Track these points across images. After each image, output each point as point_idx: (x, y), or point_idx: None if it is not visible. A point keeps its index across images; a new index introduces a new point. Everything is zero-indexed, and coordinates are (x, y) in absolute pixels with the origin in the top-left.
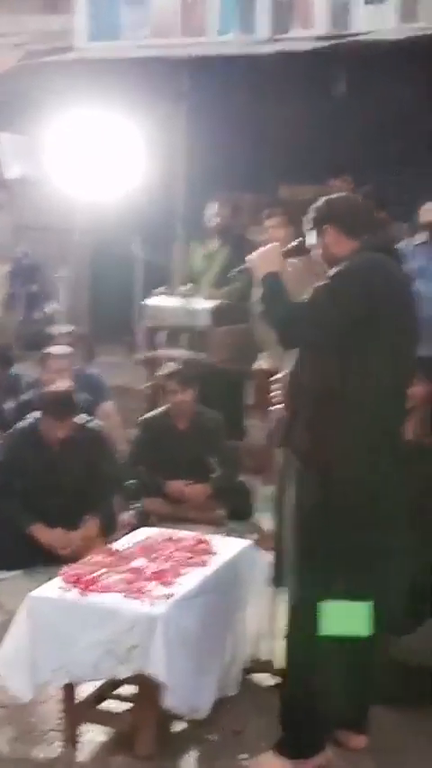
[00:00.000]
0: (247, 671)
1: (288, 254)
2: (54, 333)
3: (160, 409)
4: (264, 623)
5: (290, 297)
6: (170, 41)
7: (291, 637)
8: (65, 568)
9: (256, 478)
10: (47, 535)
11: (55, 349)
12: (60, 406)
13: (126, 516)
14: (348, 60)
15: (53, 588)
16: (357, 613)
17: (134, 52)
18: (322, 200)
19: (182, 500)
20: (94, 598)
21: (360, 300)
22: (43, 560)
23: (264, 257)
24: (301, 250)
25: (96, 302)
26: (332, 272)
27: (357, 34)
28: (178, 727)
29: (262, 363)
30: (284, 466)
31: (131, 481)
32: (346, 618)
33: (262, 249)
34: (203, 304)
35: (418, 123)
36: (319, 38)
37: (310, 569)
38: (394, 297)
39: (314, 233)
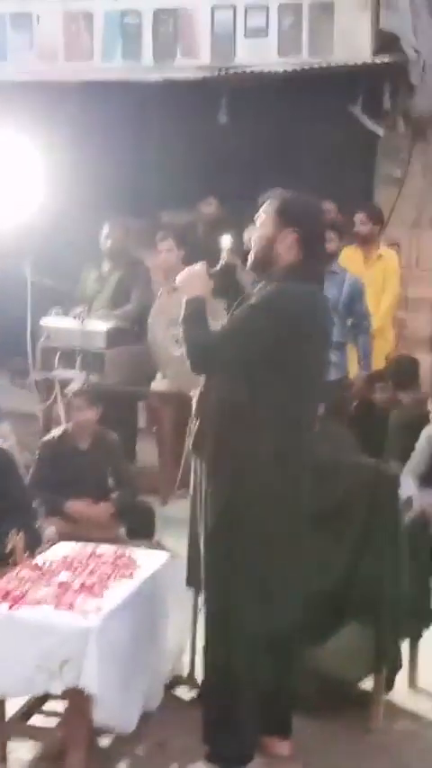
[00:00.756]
0: (168, 685)
1: (215, 274)
2: None
3: (60, 429)
4: (184, 637)
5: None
6: (55, 66)
7: (208, 643)
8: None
9: (151, 499)
10: None
11: None
12: None
13: (48, 532)
14: (230, 91)
15: None
16: None
17: (19, 76)
18: (301, 198)
19: (83, 519)
20: (25, 612)
21: (279, 337)
22: None
23: (190, 279)
24: (228, 268)
25: None
26: (259, 298)
27: (240, 66)
28: (105, 741)
29: (158, 385)
30: (197, 471)
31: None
32: None
33: (190, 270)
34: (98, 326)
35: (296, 152)
36: (203, 68)
37: (221, 577)
38: (314, 334)
39: (274, 224)
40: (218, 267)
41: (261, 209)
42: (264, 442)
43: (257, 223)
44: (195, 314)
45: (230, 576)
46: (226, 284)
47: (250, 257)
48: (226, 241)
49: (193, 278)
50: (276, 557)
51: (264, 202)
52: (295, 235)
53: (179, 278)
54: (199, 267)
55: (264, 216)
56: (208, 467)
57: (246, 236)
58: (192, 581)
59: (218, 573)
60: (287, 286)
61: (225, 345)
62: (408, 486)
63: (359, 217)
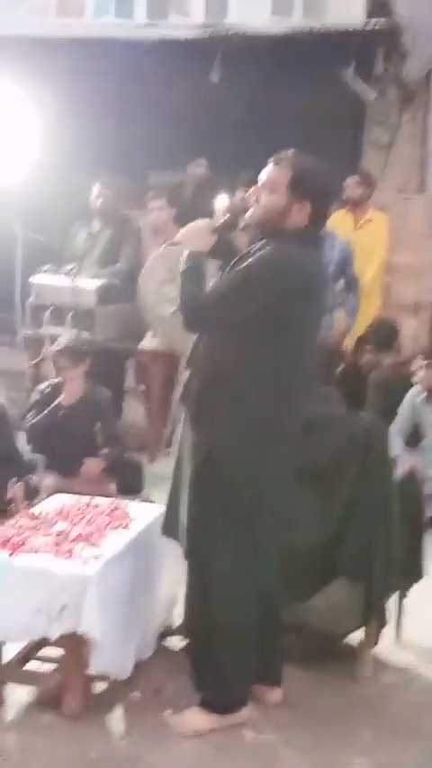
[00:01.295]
0: (161, 635)
1: (217, 230)
2: None
3: (50, 382)
4: (176, 588)
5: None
6: (45, 21)
7: (190, 594)
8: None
9: (138, 456)
10: None
11: None
12: None
13: (46, 483)
14: (223, 50)
15: None
16: None
17: (9, 30)
18: (318, 169)
19: (75, 474)
20: (24, 559)
21: (279, 297)
22: None
23: (193, 234)
24: (229, 226)
25: None
26: (260, 257)
27: (233, 26)
28: (101, 687)
29: (148, 343)
30: (184, 423)
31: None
32: None
33: (193, 225)
34: (89, 283)
35: (286, 114)
36: (195, 26)
37: (202, 529)
38: (313, 297)
39: (289, 193)
40: (220, 223)
41: (270, 171)
42: (250, 399)
43: (265, 184)
44: (195, 269)
45: (212, 528)
46: (223, 243)
47: (256, 217)
48: (222, 201)
49: (197, 232)
50: (259, 511)
51: (272, 163)
52: (308, 207)
53: (182, 232)
54: (203, 223)
55: (276, 181)
56: (193, 418)
57: (239, 195)
58: (167, 530)
59: (200, 524)
60: (289, 249)
61: (222, 304)
62: (395, 446)
63: (353, 180)
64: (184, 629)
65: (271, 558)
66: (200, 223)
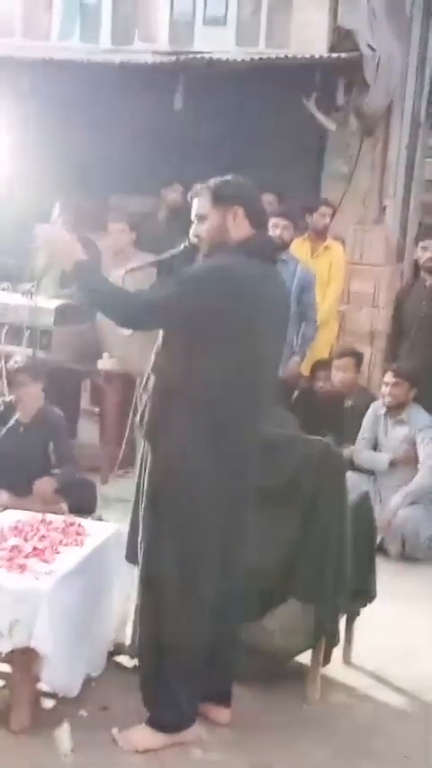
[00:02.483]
0: (111, 653)
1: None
2: None
3: (4, 400)
4: (127, 607)
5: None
6: (12, 42)
7: (142, 613)
8: None
9: (91, 477)
10: None
11: None
12: None
13: (1, 498)
14: (186, 77)
15: None
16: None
17: None
18: (232, 177)
19: (28, 492)
20: None
21: (213, 306)
22: None
23: (63, 248)
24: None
25: None
26: (206, 262)
27: (197, 52)
28: (49, 703)
29: (104, 364)
30: (144, 447)
31: None
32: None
33: (55, 240)
34: (47, 303)
35: (248, 142)
36: (159, 53)
37: (155, 550)
38: (262, 310)
39: (216, 210)
40: (181, 247)
41: (195, 205)
42: (203, 416)
43: (196, 217)
44: (92, 274)
45: (164, 549)
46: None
47: (205, 247)
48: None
49: (64, 245)
50: (213, 532)
51: (192, 197)
52: (240, 209)
53: (47, 253)
54: (53, 230)
55: (202, 209)
56: (148, 438)
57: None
58: (130, 556)
59: (153, 545)
60: (226, 257)
61: (160, 298)
62: (364, 456)
63: (321, 210)
64: (134, 648)
65: (225, 579)
66: (60, 236)
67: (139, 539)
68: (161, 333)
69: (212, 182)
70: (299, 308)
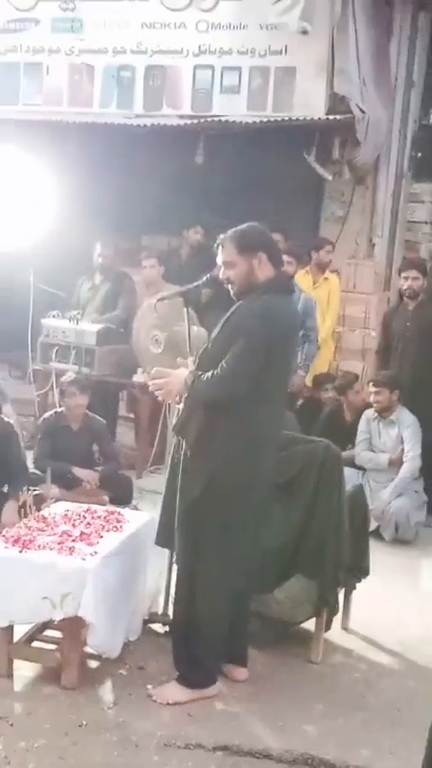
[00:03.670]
0: (146, 621)
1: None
2: None
3: (56, 410)
4: (160, 581)
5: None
6: (60, 109)
7: (178, 591)
8: (4, 531)
9: (128, 472)
10: None
11: None
12: None
13: (53, 492)
14: (206, 136)
15: None
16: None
17: (30, 115)
18: (250, 226)
19: (75, 486)
20: (33, 554)
21: (266, 342)
22: None
23: (172, 389)
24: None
25: None
26: (241, 315)
27: (215, 116)
28: (94, 664)
29: (139, 377)
30: (176, 448)
31: (34, 471)
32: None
33: (164, 386)
34: (90, 327)
35: (258, 191)
36: (183, 116)
37: (193, 539)
38: (288, 337)
39: (242, 257)
40: (203, 279)
41: (221, 254)
42: (246, 429)
43: (223, 264)
44: (194, 391)
45: (201, 539)
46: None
47: (237, 292)
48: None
49: (171, 386)
50: (242, 524)
51: (217, 247)
52: (263, 254)
53: (160, 393)
54: (164, 381)
55: (229, 257)
56: (191, 448)
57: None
58: (160, 541)
59: (191, 536)
60: (261, 298)
61: (239, 377)
62: (363, 455)
63: (327, 248)
64: (165, 617)
65: (246, 560)
66: (166, 382)
67: (175, 528)
68: (200, 354)
69: (235, 232)
70: (303, 331)
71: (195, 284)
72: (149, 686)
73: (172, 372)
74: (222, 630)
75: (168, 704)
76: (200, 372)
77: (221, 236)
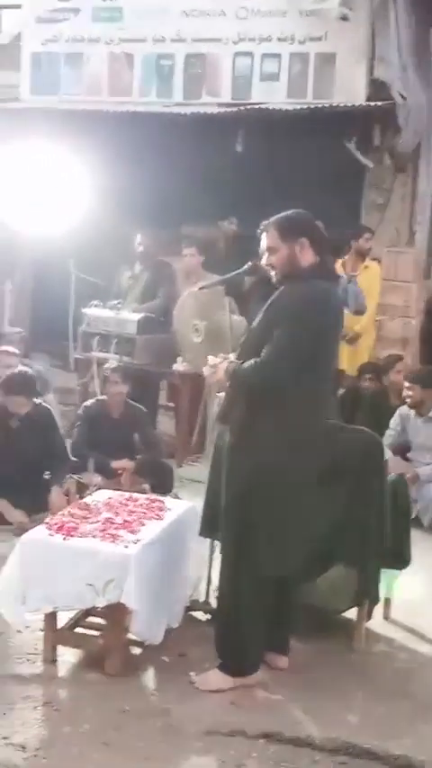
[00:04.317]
0: (188, 608)
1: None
2: (5, 332)
3: (97, 398)
4: (201, 569)
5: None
6: (100, 98)
7: (222, 580)
8: (49, 518)
9: (170, 462)
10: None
11: (4, 348)
12: (23, 383)
13: (96, 480)
14: (246, 124)
15: (41, 533)
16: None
17: (71, 105)
18: (294, 212)
19: (116, 475)
20: (76, 541)
21: (309, 327)
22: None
23: (216, 378)
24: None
25: (37, 311)
26: (285, 299)
27: (255, 104)
28: (136, 651)
29: (179, 366)
30: (219, 437)
31: (75, 459)
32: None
33: (210, 374)
34: (131, 316)
35: (298, 179)
36: (223, 104)
37: (238, 529)
38: (332, 324)
39: (285, 243)
40: (245, 267)
41: (263, 239)
42: (292, 420)
43: (267, 249)
44: (238, 377)
45: (246, 529)
46: (259, 283)
47: (279, 276)
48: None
49: (216, 375)
50: (287, 514)
51: (261, 232)
52: (305, 240)
53: (209, 382)
54: (209, 371)
55: (272, 242)
56: (234, 439)
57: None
58: (204, 531)
59: (236, 527)
60: (311, 282)
61: (286, 362)
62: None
63: (366, 236)
64: (206, 604)
65: (291, 550)
66: (212, 372)
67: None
68: (243, 343)
69: (278, 218)
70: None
71: (236, 273)
72: (192, 674)
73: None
74: (265, 619)
75: (211, 691)
76: (241, 361)
77: (265, 222)
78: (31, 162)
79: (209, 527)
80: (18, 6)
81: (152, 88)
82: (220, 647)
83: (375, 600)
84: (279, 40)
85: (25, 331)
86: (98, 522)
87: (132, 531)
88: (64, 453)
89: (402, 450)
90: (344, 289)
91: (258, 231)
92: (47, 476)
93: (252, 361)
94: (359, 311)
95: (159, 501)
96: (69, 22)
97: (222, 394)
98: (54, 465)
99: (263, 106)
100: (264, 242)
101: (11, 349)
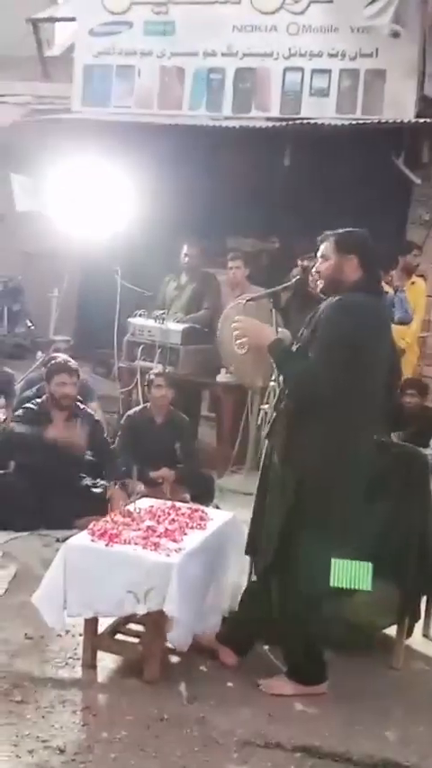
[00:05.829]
0: (225, 618)
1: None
2: (54, 339)
3: (141, 406)
4: (241, 578)
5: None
6: (150, 111)
7: (282, 594)
8: (92, 524)
9: (210, 472)
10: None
11: (58, 355)
12: (69, 365)
13: (138, 488)
14: (294, 139)
15: (84, 539)
16: (363, 571)
17: (121, 117)
18: (354, 230)
19: (157, 483)
20: (119, 548)
21: (352, 336)
22: (45, 524)
23: (257, 334)
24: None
25: (82, 319)
26: (332, 309)
27: (303, 118)
28: (175, 659)
29: (222, 377)
30: (267, 456)
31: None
32: (355, 574)
33: (250, 328)
34: (175, 326)
35: (345, 194)
36: (272, 119)
37: (287, 545)
38: (379, 337)
39: (337, 254)
40: (292, 281)
41: (322, 247)
42: (338, 435)
43: (321, 257)
44: (282, 355)
45: (296, 545)
46: (300, 295)
47: (322, 285)
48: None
49: (257, 331)
50: (335, 530)
51: (321, 241)
52: (356, 259)
53: (244, 340)
54: (250, 323)
55: (326, 251)
56: (281, 453)
57: (303, 264)
58: (249, 550)
59: (287, 541)
60: (352, 296)
61: (329, 372)
62: None
63: (416, 251)
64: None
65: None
66: (253, 325)
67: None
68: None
69: (339, 232)
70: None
71: (283, 286)
72: (229, 684)
73: (259, 324)
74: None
75: (272, 695)
76: (289, 344)
77: (327, 232)
78: (81, 172)
79: (254, 547)
80: (71, 19)
81: (202, 102)
82: (292, 656)
83: (415, 617)
84: (330, 55)
85: (71, 339)
86: (140, 529)
87: (174, 540)
88: (112, 454)
89: None
90: (390, 299)
91: (318, 239)
92: (88, 482)
93: (296, 361)
94: (403, 321)
95: (201, 510)
96: (122, 36)
97: (266, 406)
98: (106, 466)
99: (311, 121)
100: (320, 250)
101: (64, 357)
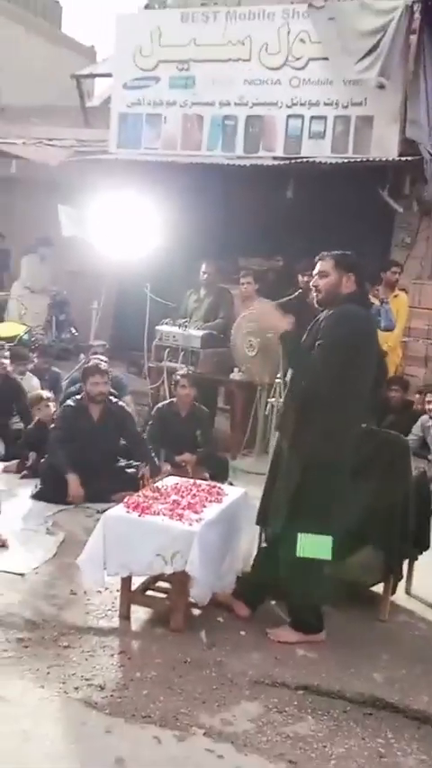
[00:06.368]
0: (238, 578)
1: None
2: (93, 343)
3: (168, 401)
4: (252, 545)
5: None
6: (174, 152)
7: (284, 557)
8: (127, 498)
9: (225, 455)
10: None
11: (97, 357)
12: (100, 367)
13: (165, 468)
14: (296, 175)
15: (120, 511)
16: (325, 544)
17: (150, 157)
18: (349, 253)
19: (181, 465)
20: (149, 519)
21: (348, 339)
22: (87, 499)
23: (268, 316)
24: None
25: (117, 326)
26: (334, 318)
27: (304, 157)
28: (196, 612)
29: (235, 375)
30: (278, 444)
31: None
32: (318, 546)
33: (262, 310)
34: (196, 332)
35: (339, 221)
36: (277, 158)
37: (295, 517)
38: (370, 340)
39: (336, 272)
40: (295, 294)
41: (319, 265)
42: (337, 425)
43: (318, 274)
44: (291, 344)
45: (304, 514)
46: (300, 308)
47: (320, 298)
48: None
49: (275, 320)
50: (330, 503)
51: (319, 260)
52: (353, 276)
53: (258, 315)
54: (267, 305)
55: (325, 269)
56: (289, 441)
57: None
58: (260, 521)
59: (296, 510)
60: (350, 306)
61: (329, 366)
62: None
63: (393, 269)
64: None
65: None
66: (265, 306)
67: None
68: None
69: (337, 252)
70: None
71: (288, 298)
72: (268, 629)
73: (279, 312)
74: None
75: (278, 642)
76: (299, 338)
77: (324, 252)
78: (117, 203)
79: (264, 518)
80: (109, 75)
81: (218, 144)
82: (295, 608)
83: (399, 577)
84: (325, 104)
85: (108, 343)
86: (167, 503)
87: (196, 512)
88: (143, 440)
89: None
90: (377, 310)
91: (316, 258)
92: (122, 463)
93: (303, 355)
94: (388, 328)
95: (218, 487)
96: (150, 89)
97: (272, 399)
98: (138, 450)
99: (310, 160)
100: (318, 266)
101: (100, 359)
